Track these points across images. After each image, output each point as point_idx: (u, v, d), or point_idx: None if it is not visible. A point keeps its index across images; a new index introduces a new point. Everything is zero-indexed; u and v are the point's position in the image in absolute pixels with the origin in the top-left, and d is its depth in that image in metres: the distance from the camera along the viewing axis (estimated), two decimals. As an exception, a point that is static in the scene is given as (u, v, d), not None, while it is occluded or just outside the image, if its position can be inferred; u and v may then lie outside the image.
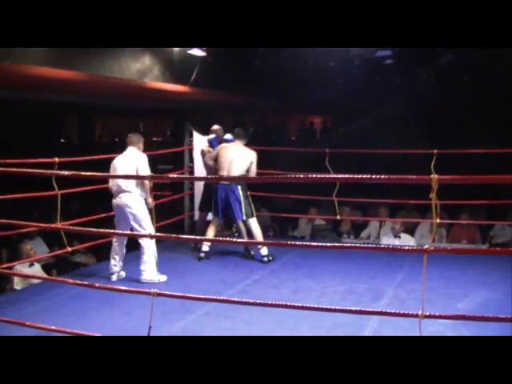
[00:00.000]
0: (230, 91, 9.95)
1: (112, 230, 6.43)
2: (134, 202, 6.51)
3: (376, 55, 9.75)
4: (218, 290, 6.14)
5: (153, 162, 6.92)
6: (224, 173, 7.45)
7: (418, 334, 3.60)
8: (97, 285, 5.26)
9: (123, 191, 6.49)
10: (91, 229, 5.34)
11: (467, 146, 8.61)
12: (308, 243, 5.94)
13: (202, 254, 7.63)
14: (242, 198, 7.46)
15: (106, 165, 6.68)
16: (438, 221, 6.77)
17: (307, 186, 8.79)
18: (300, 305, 5.37)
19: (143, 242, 6.50)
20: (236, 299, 5.17)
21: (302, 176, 3.91)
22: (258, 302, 4.57)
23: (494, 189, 8.13)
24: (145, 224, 6.50)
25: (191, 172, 8.91)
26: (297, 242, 5.71)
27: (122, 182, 6.48)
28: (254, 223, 7.60)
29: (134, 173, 6.49)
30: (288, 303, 4.37)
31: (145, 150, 6.74)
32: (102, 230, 5.54)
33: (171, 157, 11.02)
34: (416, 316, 3.65)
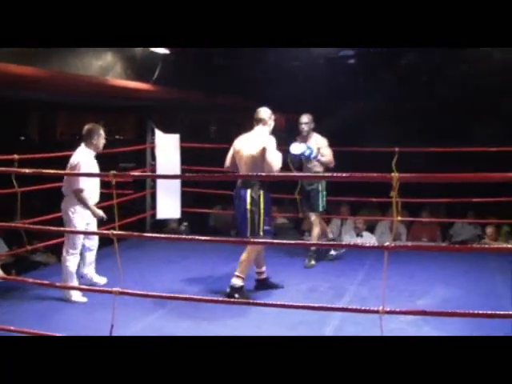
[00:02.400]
0: (193, 89, 9.92)
1: (71, 229, 6.24)
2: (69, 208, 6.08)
3: (339, 54, 9.80)
4: (180, 289, 6.13)
5: (115, 161, 6.85)
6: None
7: (379, 331, 3.64)
8: (57, 284, 5.22)
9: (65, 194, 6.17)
10: (50, 227, 5.28)
11: (429, 144, 8.71)
12: (271, 240, 5.95)
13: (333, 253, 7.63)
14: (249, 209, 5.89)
15: (66, 162, 6.58)
16: (399, 218, 6.86)
17: (272, 185, 8.78)
18: (262, 302, 5.41)
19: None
20: (198, 297, 5.17)
21: (255, 174, 3.91)
22: (221, 299, 4.58)
23: (454, 187, 8.22)
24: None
25: (153, 170, 8.87)
26: (259, 240, 5.69)
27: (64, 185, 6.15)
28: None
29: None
30: (250, 301, 4.39)
31: (107, 148, 6.60)
32: (61, 229, 5.48)
33: (133, 155, 10.96)
34: (377, 312, 3.68)
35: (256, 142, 5.86)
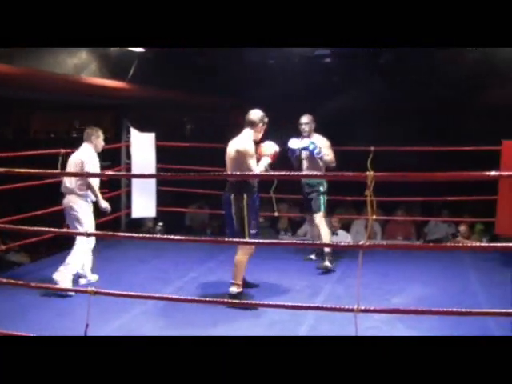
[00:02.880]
0: (169, 88, 9.88)
1: (46, 228, 6.21)
2: (76, 203, 6.33)
3: (315, 54, 9.82)
4: (155, 289, 6.11)
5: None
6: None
7: (353, 329, 3.65)
8: (33, 284, 5.17)
9: (67, 191, 6.35)
10: (23, 227, 5.23)
11: (404, 143, 8.74)
12: (248, 240, 5.95)
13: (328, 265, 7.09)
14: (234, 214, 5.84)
15: (40, 161, 6.54)
16: (374, 217, 6.89)
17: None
18: (237, 301, 5.41)
19: (76, 242, 6.36)
20: (174, 297, 5.16)
21: (228, 173, 3.89)
22: (196, 299, 4.58)
23: (428, 186, 8.29)
24: (82, 227, 6.27)
25: (128, 169, 8.84)
26: (236, 240, 5.69)
27: (66, 181, 6.35)
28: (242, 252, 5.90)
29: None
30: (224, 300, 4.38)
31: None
32: (35, 228, 5.43)
33: (108, 153, 10.89)
34: (351, 310, 3.69)
35: (237, 146, 5.80)
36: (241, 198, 5.75)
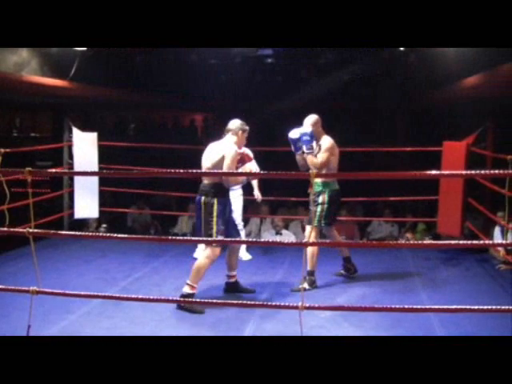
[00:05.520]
0: (112, 87, 9.79)
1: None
2: None
3: (258, 53, 9.84)
4: (99, 288, 6.04)
5: (31, 159, 6.71)
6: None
7: (298, 328, 3.68)
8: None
9: None
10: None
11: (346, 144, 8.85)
12: (185, 238, 5.95)
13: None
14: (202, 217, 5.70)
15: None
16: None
17: (187, 183, 8.71)
18: (182, 299, 5.39)
19: None
20: (118, 296, 5.12)
21: (171, 171, 3.85)
22: (140, 297, 4.55)
23: (371, 186, 8.40)
24: None
25: (71, 169, 8.73)
26: (179, 238, 5.68)
27: None
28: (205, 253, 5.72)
29: None
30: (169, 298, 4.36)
31: (22, 146, 6.48)
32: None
33: (50, 153, 10.74)
34: (296, 308, 3.72)
35: (218, 150, 5.73)
36: (211, 202, 5.65)
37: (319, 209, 6.32)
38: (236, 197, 6.99)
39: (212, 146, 5.86)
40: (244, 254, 7.53)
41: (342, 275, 6.84)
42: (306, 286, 6.16)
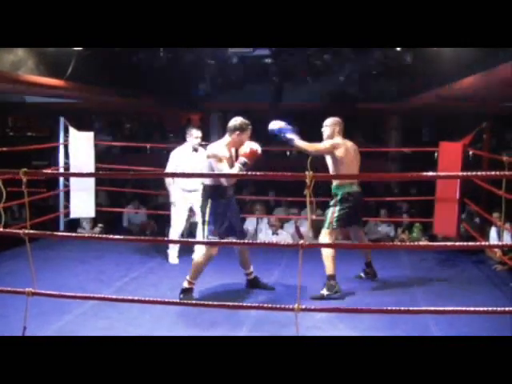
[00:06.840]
0: (108, 86, 9.76)
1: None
2: None
3: (254, 54, 9.81)
4: (95, 289, 6.03)
5: (27, 159, 6.69)
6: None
7: (294, 329, 3.68)
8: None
9: None
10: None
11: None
12: (180, 239, 5.93)
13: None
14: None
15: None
16: (314, 217, 6.93)
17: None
18: (177, 301, 5.39)
19: None
20: (114, 297, 5.11)
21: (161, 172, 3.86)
22: (136, 298, 4.54)
23: (368, 186, 8.40)
24: None
25: (67, 169, 8.71)
26: (176, 239, 5.67)
27: None
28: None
29: None
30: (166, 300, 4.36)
31: (17, 145, 6.45)
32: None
33: (46, 153, 10.72)
34: (292, 310, 3.72)
35: (207, 150, 5.78)
36: (205, 204, 5.80)
37: (330, 211, 6.24)
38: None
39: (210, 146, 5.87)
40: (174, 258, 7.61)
41: (361, 278, 6.86)
42: (325, 292, 6.09)
